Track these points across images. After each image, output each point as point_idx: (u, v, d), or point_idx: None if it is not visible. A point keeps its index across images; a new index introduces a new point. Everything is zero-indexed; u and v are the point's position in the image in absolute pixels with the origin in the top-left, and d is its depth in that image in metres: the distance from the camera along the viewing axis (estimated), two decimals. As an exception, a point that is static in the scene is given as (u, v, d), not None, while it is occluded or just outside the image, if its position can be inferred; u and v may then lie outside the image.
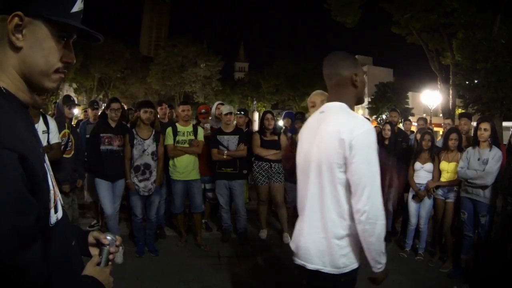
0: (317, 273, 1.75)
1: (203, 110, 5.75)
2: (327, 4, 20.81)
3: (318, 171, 1.75)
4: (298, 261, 1.83)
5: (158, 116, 5.90)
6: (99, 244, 1.17)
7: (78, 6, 0.95)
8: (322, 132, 1.77)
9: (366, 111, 35.21)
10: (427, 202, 4.78)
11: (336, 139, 1.66)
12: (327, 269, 1.73)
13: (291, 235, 5.57)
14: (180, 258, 4.52)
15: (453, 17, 18.21)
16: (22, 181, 0.76)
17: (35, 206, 0.79)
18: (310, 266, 1.77)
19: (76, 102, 5.78)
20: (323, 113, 1.86)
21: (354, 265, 1.76)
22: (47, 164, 0.94)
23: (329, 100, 1.90)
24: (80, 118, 9.31)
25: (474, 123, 5.57)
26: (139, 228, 4.55)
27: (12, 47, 0.87)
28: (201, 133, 4.92)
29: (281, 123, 8.69)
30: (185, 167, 4.75)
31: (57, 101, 4.77)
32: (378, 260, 1.71)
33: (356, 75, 1.83)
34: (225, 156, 4.95)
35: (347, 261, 1.73)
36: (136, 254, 4.49)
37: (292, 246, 1.96)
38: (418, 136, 5.23)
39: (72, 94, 31.15)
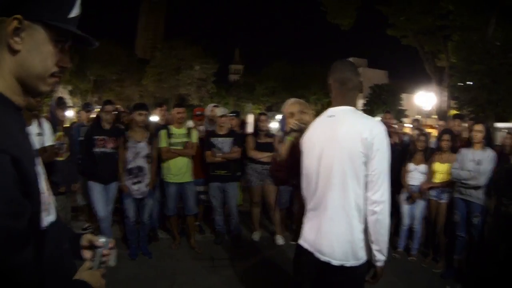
0: (341, 268, 1.82)
1: (198, 112, 5.76)
2: (323, 6, 20.86)
3: (339, 170, 1.82)
4: (323, 258, 1.87)
5: (158, 117, 5.92)
6: (92, 247, 1.17)
7: (75, 11, 0.96)
8: (338, 134, 1.85)
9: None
10: (421, 203, 4.79)
11: (359, 139, 1.77)
12: (350, 262, 1.82)
13: (284, 236, 5.54)
14: (173, 261, 4.51)
15: (449, 19, 18.31)
16: (15, 183, 0.76)
17: (28, 208, 0.79)
18: (335, 262, 1.83)
19: (70, 104, 5.76)
20: (333, 117, 1.94)
21: (365, 257, 1.85)
22: (40, 167, 0.94)
23: (335, 104, 1.98)
24: (74, 121, 9.26)
25: (465, 125, 5.62)
26: (132, 230, 4.53)
27: (9, 50, 0.86)
28: (195, 135, 4.91)
29: (274, 125, 8.67)
30: (179, 169, 4.74)
31: (51, 103, 4.76)
32: (384, 252, 1.81)
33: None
34: (219, 159, 4.95)
35: (363, 253, 1.84)
36: (129, 257, 4.47)
37: (307, 245, 1.98)
38: (415, 132, 5.24)
39: (67, 97, 31.05)
